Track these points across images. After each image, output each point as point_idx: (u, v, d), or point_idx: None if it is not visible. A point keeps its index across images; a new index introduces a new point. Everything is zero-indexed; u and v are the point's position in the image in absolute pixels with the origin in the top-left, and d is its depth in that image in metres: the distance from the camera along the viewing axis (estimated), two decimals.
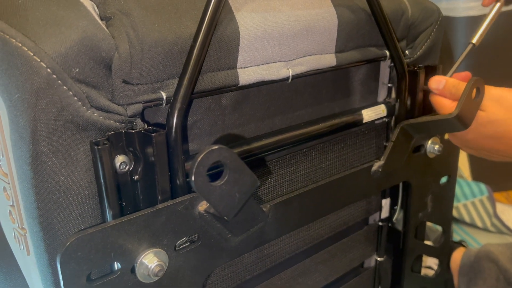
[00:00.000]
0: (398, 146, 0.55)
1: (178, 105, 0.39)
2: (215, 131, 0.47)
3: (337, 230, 0.62)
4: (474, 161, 1.18)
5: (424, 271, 0.74)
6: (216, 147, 0.32)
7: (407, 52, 0.61)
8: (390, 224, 0.66)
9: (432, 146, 0.60)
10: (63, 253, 0.32)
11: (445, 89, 0.53)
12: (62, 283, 0.33)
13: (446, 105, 0.54)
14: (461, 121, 0.51)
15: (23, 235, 0.42)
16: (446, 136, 0.62)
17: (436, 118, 0.53)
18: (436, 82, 0.55)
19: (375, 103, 0.61)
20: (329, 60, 0.51)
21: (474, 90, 0.51)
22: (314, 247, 0.60)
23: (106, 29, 0.36)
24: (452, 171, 0.66)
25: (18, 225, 0.42)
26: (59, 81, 0.33)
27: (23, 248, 0.43)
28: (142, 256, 0.37)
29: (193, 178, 0.32)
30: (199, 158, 0.32)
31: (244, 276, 0.53)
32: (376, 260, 0.69)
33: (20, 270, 0.47)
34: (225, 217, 0.37)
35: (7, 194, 0.42)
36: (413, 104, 0.59)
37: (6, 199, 0.42)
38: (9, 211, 0.43)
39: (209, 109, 0.46)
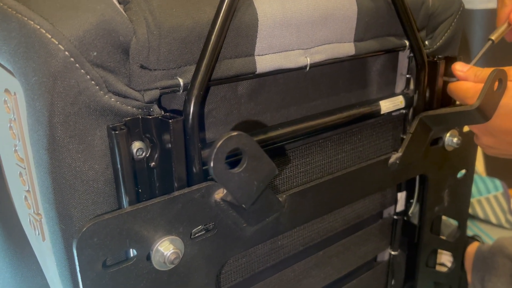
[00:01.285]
0: (416, 138, 0.54)
1: (195, 92, 0.38)
2: (230, 120, 0.47)
3: (351, 223, 0.61)
4: (489, 157, 1.16)
5: (437, 268, 0.73)
6: (235, 133, 0.32)
7: (426, 42, 0.59)
8: (405, 218, 0.65)
9: (451, 139, 0.59)
10: (79, 239, 0.32)
11: (470, 71, 0.53)
12: (78, 269, 0.33)
13: (469, 88, 0.53)
14: (482, 113, 0.49)
15: (39, 221, 0.42)
16: (465, 129, 0.61)
17: (456, 110, 0.51)
18: (461, 65, 0.54)
19: (392, 94, 0.60)
20: (347, 48, 0.50)
21: (496, 82, 0.49)
22: (328, 239, 0.60)
23: (124, 13, 0.35)
24: (469, 165, 0.65)
25: (33, 210, 0.42)
26: (77, 65, 0.32)
27: (38, 234, 0.43)
28: (158, 244, 0.36)
29: (211, 165, 0.32)
30: (218, 144, 0.31)
31: (257, 267, 0.52)
32: (390, 254, 0.68)
33: (34, 255, 0.47)
34: (242, 205, 0.36)
35: (23, 179, 0.42)
36: (432, 95, 0.58)
37: (22, 184, 0.42)
38: (25, 196, 0.43)
39: (225, 97, 0.46)
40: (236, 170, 0.34)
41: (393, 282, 0.70)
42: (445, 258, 0.81)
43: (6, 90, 0.39)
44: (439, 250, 0.73)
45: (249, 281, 0.52)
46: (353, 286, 0.65)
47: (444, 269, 0.74)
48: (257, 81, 0.47)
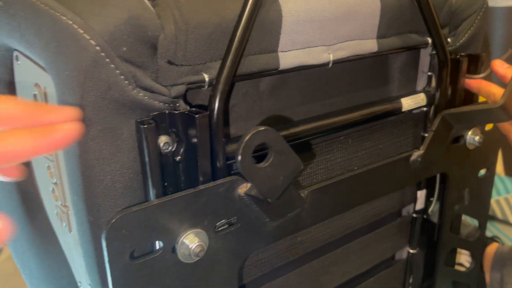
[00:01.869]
0: (438, 136, 0.54)
1: (220, 88, 0.39)
2: (251, 116, 0.47)
3: (371, 221, 0.61)
4: (508, 156, 1.15)
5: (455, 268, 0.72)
6: (262, 128, 0.32)
7: (449, 39, 0.59)
8: (425, 216, 0.65)
9: (472, 137, 0.58)
10: (108, 230, 0.33)
11: (510, 69, 0.53)
12: (106, 260, 0.33)
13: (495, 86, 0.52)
14: (506, 111, 0.49)
15: (66, 213, 0.43)
16: (487, 127, 0.60)
17: (480, 107, 0.51)
18: (500, 62, 0.55)
19: (413, 91, 0.60)
20: (370, 45, 0.50)
21: None
22: (347, 236, 0.60)
23: (152, 8, 0.36)
24: (491, 164, 0.64)
25: (61, 202, 0.43)
26: (107, 59, 0.33)
27: (65, 226, 0.44)
28: (183, 236, 0.37)
29: (239, 159, 0.32)
30: (246, 139, 0.32)
31: (277, 263, 0.53)
32: (409, 252, 0.68)
33: (60, 247, 0.48)
34: (268, 200, 0.37)
35: (51, 172, 0.43)
36: (453, 93, 0.57)
37: (50, 177, 0.43)
38: (52, 189, 0.44)
39: (247, 93, 0.46)
40: (263, 164, 0.34)
41: (411, 281, 0.69)
42: (464, 258, 0.80)
43: (36, 85, 0.40)
44: (458, 250, 0.72)
45: (268, 276, 0.52)
46: (371, 284, 0.65)
47: (462, 269, 0.74)
48: (279, 78, 0.48)
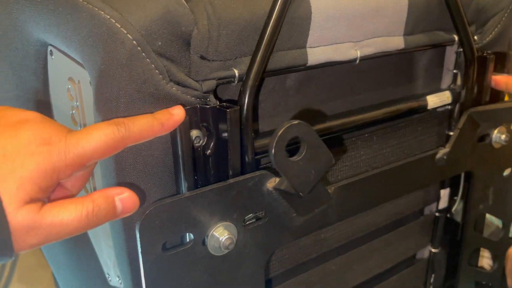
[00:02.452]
0: (464, 134, 0.54)
1: (250, 83, 0.39)
2: (277, 112, 0.47)
3: (393, 219, 0.61)
4: None
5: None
6: (295, 122, 0.32)
7: (475, 37, 0.59)
8: (448, 215, 0.64)
9: (498, 136, 0.58)
10: (142, 221, 0.33)
11: None
12: (139, 250, 0.34)
13: None
14: None
15: None
16: None
17: (507, 105, 0.51)
18: None
19: (438, 89, 0.60)
20: (397, 42, 0.50)
21: None
22: (370, 234, 0.60)
23: (186, 4, 0.36)
24: None
25: None
26: (143, 54, 0.34)
27: None
28: (213, 229, 0.37)
29: (272, 152, 0.32)
30: (280, 132, 0.32)
31: (301, 258, 0.53)
32: (431, 251, 0.67)
33: (89, 239, 0.49)
34: (299, 193, 0.37)
35: None
36: (480, 91, 0.57)
37: None
38: None
39: (274, 89, 0.46)
40: (295, 158, 0.35)
41: (432, 280, 0.69)
42: (485, 262, 0.79)
43: (70, 79, 0.41)
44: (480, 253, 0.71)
45: (292, 272, 0.53)
46: (393, 282, 0.64)
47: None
48: (305, 74, 0.48)
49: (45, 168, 0.28)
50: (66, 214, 0.28)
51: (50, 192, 0.29)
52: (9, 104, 0.47)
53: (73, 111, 0.42)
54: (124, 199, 0.31)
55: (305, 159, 0.35)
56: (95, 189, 0.43)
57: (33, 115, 0.30)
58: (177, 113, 0.34)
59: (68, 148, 0.28)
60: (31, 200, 0.27)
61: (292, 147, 0.39)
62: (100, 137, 0.29)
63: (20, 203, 0.27)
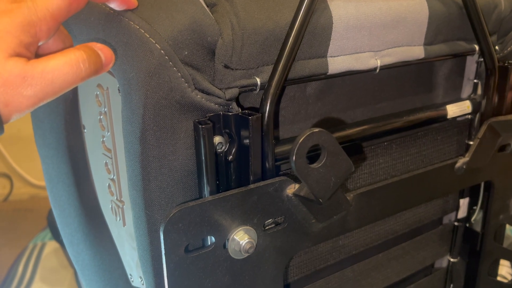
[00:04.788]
0: (484, 144, 0.54)
1: (272, 91, 0.40)
2: (297, 120, 0.48)
3: (412, 227, 0.61)
4: None
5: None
6: (316, 130, 0.33)
7: (496, 47, 0.58)
8: (467, 225, 0.64)
9: None
10: (166, 223, 0.35)
11: None
12: (163, 252, 0.35)
13: None
14: None
15: (121, 207, 0.45)
16: None
17: None
18: None
19: (458, 99, 0.60)
20: (417, 52, 0.51)
21: None
22: (388, 242, 0.60)
23: (211, 15, 0.38)
24: None
25: (116, 197, 0.46)
26: (170, 63, 0.35)
27: (119, 219, 0.46)
28: (234, 233, 0.38)
29: (293, 159, 0.33)
30: (300, 140, 0.33)
31: (319, 265, 0.53)
32: (449, 261, 0.67)
33: (113, 240, 0.50)
34: (319, 200, 0.38)
35: (108, 168, 0.46)
36: (501, 101, 0.57)
37: (107, 173, 0.46)
38: (109, 184, 0.46)
39: (294, 97, 0.47)
40: (316, 165, 0.35)
41: None
42: (505, 270, 0.78)
43: (99, 85, 0.43)
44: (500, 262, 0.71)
45: (310, 278, 0.53)
46: None
47: (504, 281, 0.72)
48: (325, 82, 0.49)
49: (19, 21, 0.29)
50: (56, 61, 0.30)
51: (33, 49, 0.30)
52: (39, 109, 0.49)
53: (101, 117, 0.44)
54: (103, 49, 0.33)
55: (325, 166, 0.36)
56: (121, 197, 0.45)
57: None
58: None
59: (36, 3, 0.30)
60: (16, 54, 0.29)
61: (312, 154, 0.40)
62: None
63: (4, 54, 0.28)
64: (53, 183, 0.52)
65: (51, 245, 1.19)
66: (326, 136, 0.34)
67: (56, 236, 1.16)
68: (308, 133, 0.33)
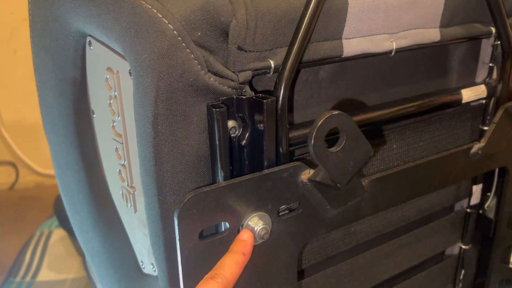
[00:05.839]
0: (500, 129, 0.53)
1: (286, 74, 0.39)
2: (310, 104, 0.47)
3: (423, 214, 0.60)
4: None
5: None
6: (335, 112, 0.32)
7: None
8: (480, 211, 0.63)
9: None
10: (181, 209, 0.34)
11: None
12: (177, 238, 0.35)
13: None
14: None
15: (132, 193, 0.44)
16: None
17: None
18: None
19: (472, 83, 0.59)
20: (433, 34, 0.49)
21: None
22: (399, 229, 0.59)
23: None
24: None
25: (127, 183, 0.45)
26: (183, 44, 0.34)
27: (130, 206, 0.46)
28: (249, 218, 0.38)
29: (312, 142, 0.32)
30: (319, 123, 0.32)
31: (331, 251, 0.53)
32: (461, 248, 0.66)
33: (123, 227, 0.50)
34: (337, 185, 0.37)
35: (119, 154, 0.45)
36: None
37: (117, 158, 0.45)
38: (119, 170, 0.46)
39: (307, 81, 0.46)
40: (334, 149, 0.35)
41: (462, 277, 0.68)
42: None
43: (109, 69, 0.42)
44: None
45: (322, 264, 0.53)
46: (421, 278, 0.64)
47: None
48: (339, 66, 0.48)
49: None
50: None
51: None
52: (47, 93, 0.48)
53: (111, 101, 0.43)
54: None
55: (344, 150, 0.35)
56: (132, 183, 0.44)
57: None
58: (248, 237, 0.37)
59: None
60: None
61: (329, 138, 0.39)
62: None
63: None
64: (62, 169, 0.51)
65: (58, 233, 1.19)
66: (345, 119, 0.33)
67: (63, 224, 1.16)
68: (327, 116, 0.32)
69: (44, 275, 1.05)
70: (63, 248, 1.15)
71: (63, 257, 1.12)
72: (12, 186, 1.51)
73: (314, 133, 0.32)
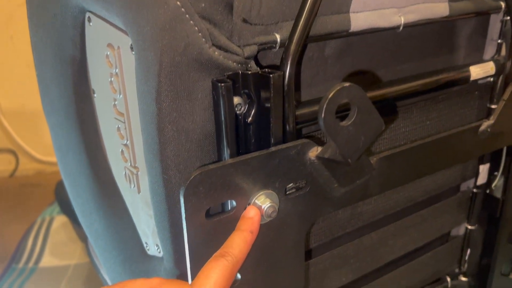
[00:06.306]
0: (510, 106, 0.52)
1: (293, 48, 0.38)
2: (315, 82, 0.46)
3: (430, 195, 0.60)
4: None
5: None
6: (347, 84, 0.31)
7: None
8: (488, 191, 0.62)
9: None
10: (187, 187, 0.33)
11: None
12: (183, 217, 0.34)
13: None
14: None
15: (135, 174, 0.44)
16: None
17: None
18: None
19: (480, 60, 0.57)
20: (442, 9, 0.48)
21: None
22: (405, 210, 0.58)
23: None
24: None
25: (130, 163, 0.44)
26: (187, 15, 0.33)
27: (134, 187, 0.45)
28: (256, 197, 0.37)
29: (322, 116, 0.31)
30: (330, 95, 0.31)
31: (337, 232, 0.52)
32: (467, 228, 0.66)
33: (126, 209, 0.49)
34: (348, 160, 0.36)
35: (121, 133, 0.44)
36: None
37: (120, 138, 0.44)
38: (122, 150, 0.45)
39: (312, 58, 0.45)
40: (345, 123, 0.33)
41: (467, 257, 0.68)
42: None
43: (109, 45, 0.40)
44: None
45: (328, 245, 0.52)
46: (427, 259, 0.63)
47: None
48: (345, 43, 0.46)
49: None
50: None
51: None
52: (46, 73, 0.47)
53: (112, 79, 0.41)
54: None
55: (355, 124, 0.34)
56: (135, 163, 0.43)
57: (156, 281, 0.33)
58: (255, 214, 0.36)
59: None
60: None
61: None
62: (218, 274, 0.32)
63: None
64: (63, 152, 0.50)
65: (60, 219, 1.19)
66: (357, 91, 0.32)
67: (65, 209, 1.16)
68: (338, 88, 0.31)
69: (47, 261, 1.05)
70: (65, 234, 1.14)
71: (65, 243, 1.12)
72: (12, 174, 1.50)
73: (325, 106, 0.31)
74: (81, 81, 0.46)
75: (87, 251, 0.93)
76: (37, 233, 1.15)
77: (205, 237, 0.35)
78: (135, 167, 0.43)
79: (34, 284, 0.98)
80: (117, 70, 0.40)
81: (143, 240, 0.48)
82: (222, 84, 0.34)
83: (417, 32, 0.51)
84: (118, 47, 0.39)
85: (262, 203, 0.37)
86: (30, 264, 1.04)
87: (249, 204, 0.37)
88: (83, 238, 1.07)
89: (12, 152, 1.49)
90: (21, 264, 1.04)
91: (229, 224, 0.36)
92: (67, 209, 1.13)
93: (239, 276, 0.38)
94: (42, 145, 1.46)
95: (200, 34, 0.34)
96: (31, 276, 1.00)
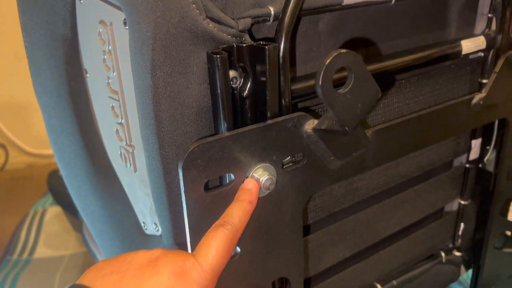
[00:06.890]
0: (501, 79, 0.52)
1: (287, 21, 0.38)
2: (309, 58, 0.46)
3: (423, 170, 0.60)
4: None
5: None
6: (344, 51, 0.31)
7: None
8: (480, 165, 0.63)
9: None
10: (185, 159, 0.33)
11: None
12: (182, 190, 0.34)
13: None
14: None
15: (131, 153, 0.43)
16: None
17: None
18: None
19: (471, 35, 0.58)
20: None
21: None
22: (399, 186, 0.59)
23: None
24: None
25: (125, 142, 0.44)
26: None
27: (130, 166, 0.44)
28: (254, 170, 0.37)
29: (319, 83, 0.31)
30: (327, 62, 0.31)
31: (333, 208, 0.52)
32: (460, 204, 0.67)
33: (123, 190, 0.49)
34: (346, 128, 0.36)
35: (115, 112, 0.43)
36: None
37: (114, 117, 0.44)
38: (116, 129, 0.44)
39: (305, 34, 0.45)
40: (342, 90, 0.34)
41: (460, 232, 0.69)
42: None
43: (101, 22, 0.40)
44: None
45: (325, 221, 0.52)
46: (421, 235, 0.64)
47: None
48: (338, 18, 0.46)
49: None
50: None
51: None
52: (37, 54, 0.46)
53: (105, 56, 0.41)
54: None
55: (352, 92, 0.34)
56: (130, 141, 0.43)
57: (157, 252, 0.32)
58: (253, 186, 0.36)
59: (203, 267, 0.32)
60: None
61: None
62: (219, 243, 0.32)
63: None
64: (56, 133, 0.50)
65: (53, 210, 1.18)
66: (354, 58, 0.32)
67: (58, 199, 1.15)
68: (335, 54, 0.31)
69: (41, 252, 1.05)
70: (59, 225, 1.14)
71: (59, 234, 1.11)
72: (3, 167, 1.48)
73: (322, 73, 0.31)
74: (73, 61, 0.45)
75: (83, 239, 0.92)
76: (30, 224, 1.14)
77: (204, 211, 0.35)
78: (130, 146, 0.43)
79: (29, 274, 0.97)
80: (110, 47, 0.40)
81: (141, 220, 0.47)
82: (218, 56, 0.34)
83: (409, 7, 0.51)
84: (111, 23, 0.39)
85: (260, 176, 0.37)
86: (25, 255, 1.03)
87: (247, 177, 0.37)
88: (77, 228, 1.06)
89: (2, 146, 1.47)
90: (15, 256, 1.03)
91: (228, 198, 0.36)
92: (60, 199, 1.13)
93: (238, 249, 0.38)
94: (32, 138, 1.44)
95: (194, 5, 0.34)
96: (26, 267, 0.99)
